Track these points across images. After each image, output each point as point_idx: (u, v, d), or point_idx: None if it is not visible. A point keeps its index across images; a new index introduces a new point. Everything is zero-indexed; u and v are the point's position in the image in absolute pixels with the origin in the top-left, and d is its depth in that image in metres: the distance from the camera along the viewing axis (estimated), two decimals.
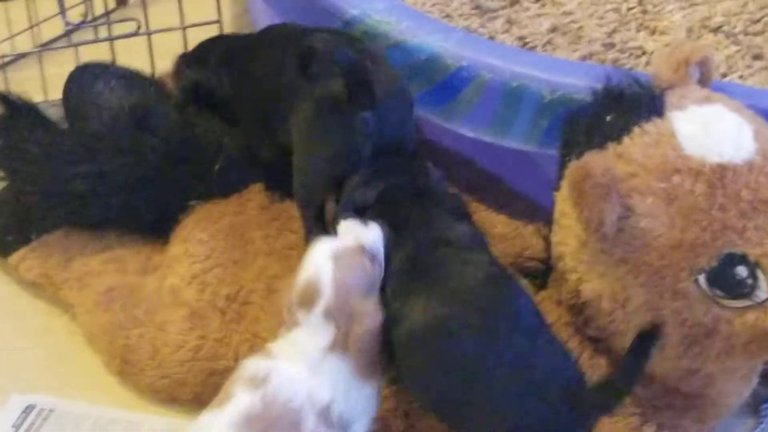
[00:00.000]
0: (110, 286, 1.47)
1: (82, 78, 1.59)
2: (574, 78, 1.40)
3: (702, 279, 1.20)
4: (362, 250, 1.23)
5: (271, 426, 1.16)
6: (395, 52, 1.41)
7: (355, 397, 1.20)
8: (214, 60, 1.52)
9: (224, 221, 1.46)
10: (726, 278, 1.19)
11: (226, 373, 1.26)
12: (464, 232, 1.27)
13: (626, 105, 1.28)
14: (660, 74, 1.31)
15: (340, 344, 1.19)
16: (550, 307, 1.32)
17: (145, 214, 1.49)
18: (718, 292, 1.20)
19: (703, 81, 1.33)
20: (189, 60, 1.56)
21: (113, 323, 1.44)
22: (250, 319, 1.39)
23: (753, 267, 1.19)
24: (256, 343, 1.34)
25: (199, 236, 1.45)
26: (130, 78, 1.61)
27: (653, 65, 1.37)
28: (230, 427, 1.16)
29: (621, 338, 1.26)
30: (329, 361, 1.19)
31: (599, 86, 1.31)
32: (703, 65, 1.32)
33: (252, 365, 1.20)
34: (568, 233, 1.27)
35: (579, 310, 1.29)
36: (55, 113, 1.60)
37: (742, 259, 1.19)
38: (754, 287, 1.19)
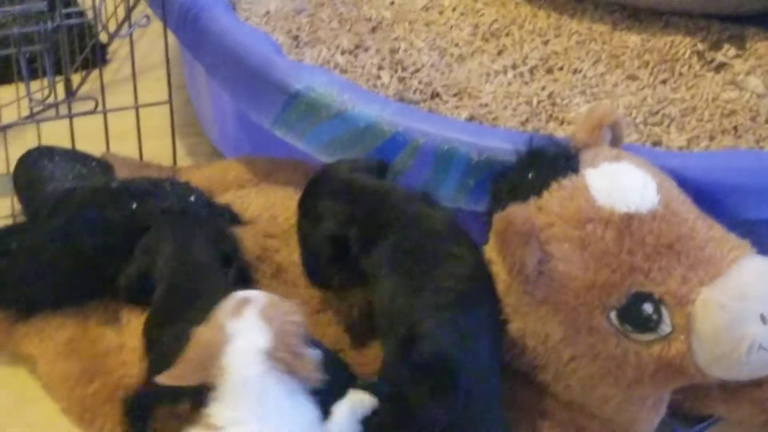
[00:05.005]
0: (71, 337, 1.52)
1: (29, 157, 1.70)
2: (498, 142, 1.49)
3: (613, 315, 1.29)
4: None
5: None
6: (337, 121, 1.49)
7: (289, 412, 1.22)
8: None
9: None
10: (634, 314, 1.29)
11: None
12: None
13: (546, 163, 1.37)
14: (577, 136, 1.42)
15: (276, 348, 1.21)
16: None
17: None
18: (628, 327, 1.29)
19: (615, 142, 1.43)
20: None
21: (75, 371, 1.49)
22: None
23: (657, 304, 1.29)
24: None
25: None
26: (72, 154, 1.71)
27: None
28: None
29: (543, 372, 1.35)
30: (268, 384, 1.21)
31: (522, 148, 1.41)
32: (614, 128, 1.43)
33: None
34: (495, 279, 1.35)
35: (507, 348, 1.36)
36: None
37: (648, 297, 1.29)
38: (659, 322, 1.29)
